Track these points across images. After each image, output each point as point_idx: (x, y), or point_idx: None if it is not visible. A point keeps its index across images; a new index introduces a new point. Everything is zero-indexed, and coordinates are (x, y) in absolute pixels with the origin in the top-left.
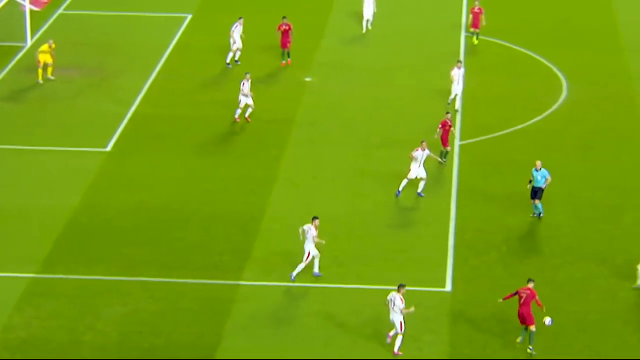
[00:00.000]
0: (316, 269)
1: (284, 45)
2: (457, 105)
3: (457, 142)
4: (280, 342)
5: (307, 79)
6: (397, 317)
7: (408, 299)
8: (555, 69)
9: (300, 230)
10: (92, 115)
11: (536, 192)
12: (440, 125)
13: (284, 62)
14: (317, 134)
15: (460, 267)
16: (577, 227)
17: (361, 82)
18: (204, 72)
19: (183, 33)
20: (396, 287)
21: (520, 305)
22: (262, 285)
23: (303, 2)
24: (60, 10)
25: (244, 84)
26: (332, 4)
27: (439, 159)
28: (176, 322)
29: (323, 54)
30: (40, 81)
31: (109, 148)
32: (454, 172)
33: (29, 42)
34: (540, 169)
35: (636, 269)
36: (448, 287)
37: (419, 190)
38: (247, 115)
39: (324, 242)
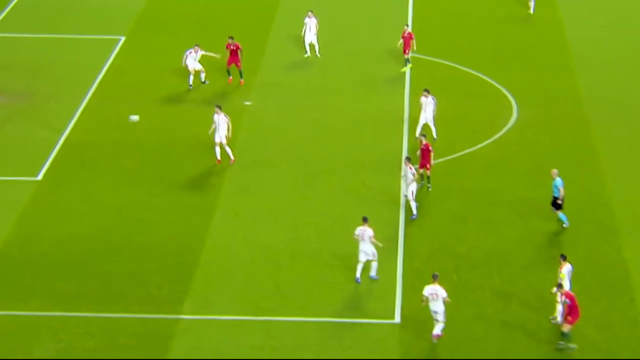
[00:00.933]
0: (374, 272)
1: (229, 63)
2: (434, 133)
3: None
4: None
5: (247, 103)
6: (440, 307)
7: (355, 332)
8: (504, 90)
9: (357, 233)
10: (22, 143)
11: (554, 203)
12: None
13: (231, 77)
14: (257, 159)
15: (409, 297)
16: (529, 255)
17: (302, 105)
18: (138, 96)
19: (116, 55)
20: (432, 279)
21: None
22: (203, 319)
23: (240, 24)
24: None
25: (216, 120)
26: (271, 26)
27: (422, 181)
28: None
29: (262, 77)
30: None
31: (39, 177)
32: (402, 197)
33: None
34: (555, 178)
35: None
36: (397, 318)
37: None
38: (231, 154)
39: (381, 245)
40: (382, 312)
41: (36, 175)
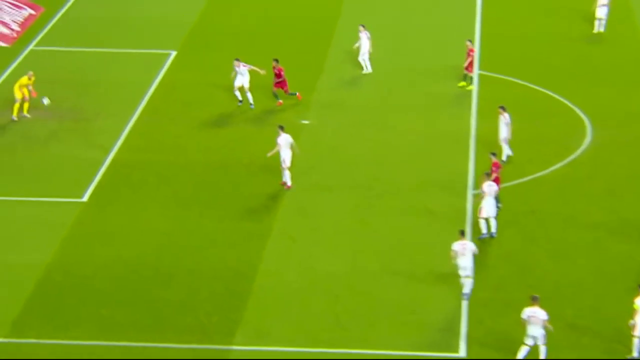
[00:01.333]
0: (468, 289)
1: (275, 86)
2: (504, 155)
3: (470, 191)
4: None
5: (304, 122)
6: (539, 331)
7: None
8: (577, 110)
9: (456, 249)
10: (67, 162)
11: None
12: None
13: (280, 101)
14: (315, 181)
15: (475, 329)
16: (602, 285)
17: (362, 124)
18: (190, 114)
19: (167, 71)
20: (531, 301)
21: None
22: (256, 351)
23: (297, 39)
24: (31, 46)
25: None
26: (330, 42)
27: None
28: None
29: (320, 95)
30: (15, 118)
31: (85, 198)
32: (467, 222)
33: None
34: None
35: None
36: (462, 352)
37: (493, 230)
38: (288, 179)
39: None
40: (446, 345)
41: (81, 197)
